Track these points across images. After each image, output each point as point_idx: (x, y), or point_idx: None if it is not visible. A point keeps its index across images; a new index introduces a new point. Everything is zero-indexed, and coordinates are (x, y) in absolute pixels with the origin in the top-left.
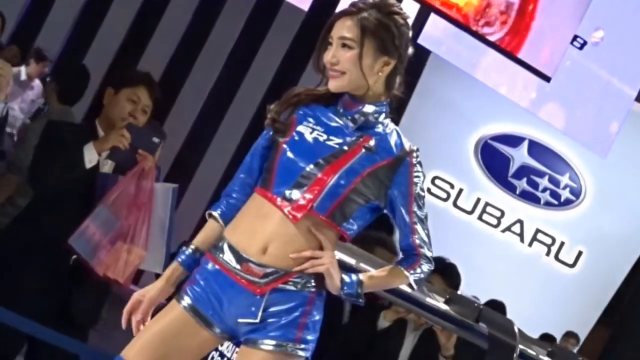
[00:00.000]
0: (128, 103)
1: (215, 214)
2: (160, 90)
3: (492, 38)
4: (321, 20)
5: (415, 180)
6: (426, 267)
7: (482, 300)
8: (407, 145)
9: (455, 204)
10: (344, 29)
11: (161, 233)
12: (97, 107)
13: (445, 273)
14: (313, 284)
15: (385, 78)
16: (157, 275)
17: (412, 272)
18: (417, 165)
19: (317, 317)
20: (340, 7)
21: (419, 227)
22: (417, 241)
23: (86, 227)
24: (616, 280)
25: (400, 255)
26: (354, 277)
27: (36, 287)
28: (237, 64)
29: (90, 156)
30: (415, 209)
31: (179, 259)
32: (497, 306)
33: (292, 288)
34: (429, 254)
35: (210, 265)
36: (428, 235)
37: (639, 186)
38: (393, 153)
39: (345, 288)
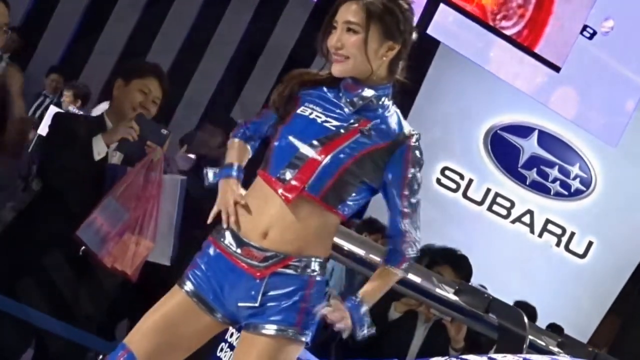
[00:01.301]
0: (139, 94)
1: (237, 140)
2: (170, 82)
3: (509, 32)
4: (329, 11)
5: (411, 164)
6: (413, 253)
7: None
8: (406, 129)
9: (465, 195)
10: (349, 13)
11: (169, 225)
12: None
13: (456, 264)
14: (313, 268)
15: (388, 63)
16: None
17: (402, 268)
18: (416, 150)
19: (317, 302)
20: None
21: (408, 210)
22: (406, 226)
23: (94, 219)
24: (627, 270)
25: (389, 246)
26: (361, 311)
27: (44, 279)
28: (245, 55)
29: (99, 148)
30: (407, 192)
31: (236, 175)
32: (526, 308)
33: (292, 272)
34: (416, 238)
35: (212, 250)
36: (417, 220)
37: None
38: (391, 136)
39: (362, 329)
